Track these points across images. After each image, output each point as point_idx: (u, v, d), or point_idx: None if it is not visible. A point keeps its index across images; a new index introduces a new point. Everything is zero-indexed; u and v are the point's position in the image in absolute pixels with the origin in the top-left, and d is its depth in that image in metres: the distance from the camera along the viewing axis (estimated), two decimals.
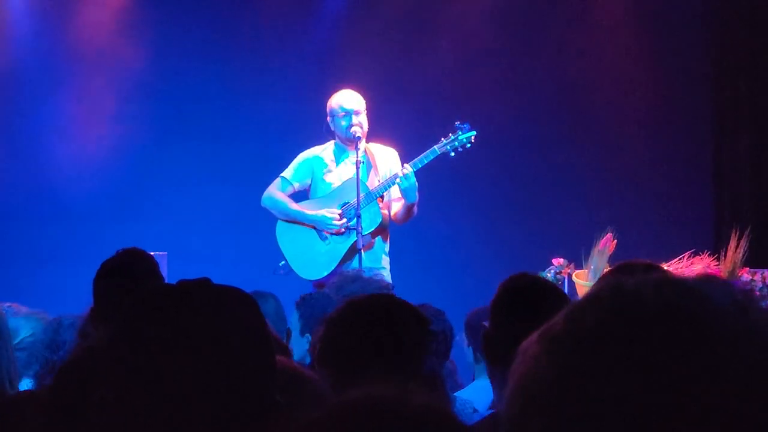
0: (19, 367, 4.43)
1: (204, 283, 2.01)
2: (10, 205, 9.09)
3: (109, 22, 9.28)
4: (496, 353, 2.89)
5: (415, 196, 7.21)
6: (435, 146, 7.31)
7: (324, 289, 5.75)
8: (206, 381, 1.88)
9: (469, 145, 7.36)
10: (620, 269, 2.60)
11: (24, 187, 9.13)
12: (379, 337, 2.77)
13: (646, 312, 1.08)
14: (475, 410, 4.26)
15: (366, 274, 5.52)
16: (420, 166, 7.23)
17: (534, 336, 1.14)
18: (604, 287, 1.13)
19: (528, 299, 2.92)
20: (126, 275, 3.41)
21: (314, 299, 5.00)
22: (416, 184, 7.18)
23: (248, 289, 5.66)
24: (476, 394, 4.58)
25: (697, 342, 1.06)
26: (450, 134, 7.36)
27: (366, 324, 2.79)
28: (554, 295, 2.97)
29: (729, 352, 1.06)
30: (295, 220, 7.42)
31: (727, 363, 1.05)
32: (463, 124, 7.38)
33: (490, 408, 3.71)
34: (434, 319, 4.68)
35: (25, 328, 4.83)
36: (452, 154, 7.34)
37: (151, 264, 3.48)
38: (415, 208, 7.31)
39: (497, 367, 2.89)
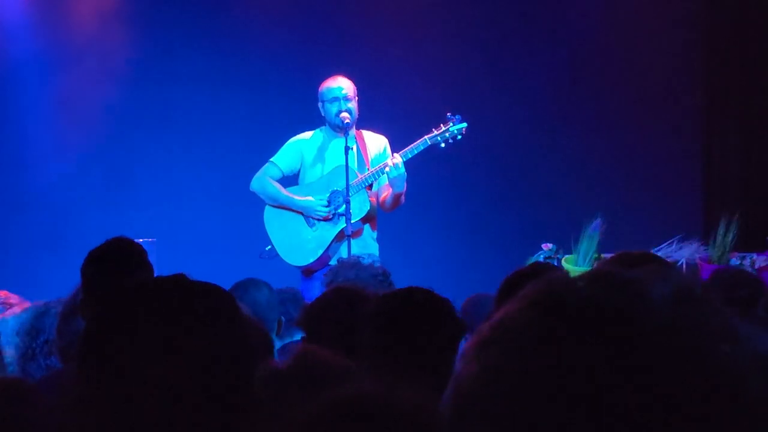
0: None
1: (178, 280, 1.98)
2: None
3: (98, 8, 9.24)
4: None
5: (403, 186, 7.21)
6: (426, 137, 7.30)
7: (322, 275, 5.74)
8: (181, 380, 1.86)
9: (459, 137, 7.35)
10: (618, 260, 2.58)
11: (11, 176, 9.10)
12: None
13: (570, 311, 1.05)
14: None
15: (364, 261, 5.49)
16: (410, 156, 7.22)
17: (471, 339, 1.12)
18: (534, 287, 1.11)
19: None
20: (114, 262, 3.39)
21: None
22: (405, 174, 7.17)
23: (238, 276, 5.67)
24: None
25: (622, 340, 1.03)
26: (441, 125, 7.35)
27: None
28: None
29: (656, 347, 1.03)
30: (283, 205, 7.41)
31: (653, 359, 1.02)
32: (454, 116, 7.37)
33: None
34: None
35: (11, 323, 4.81)
36: (442, 145, 7.33)
37: (139, 251, 3.46)
38: (403, 198, 7.30)
39: None
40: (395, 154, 7.22)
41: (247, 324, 2.00)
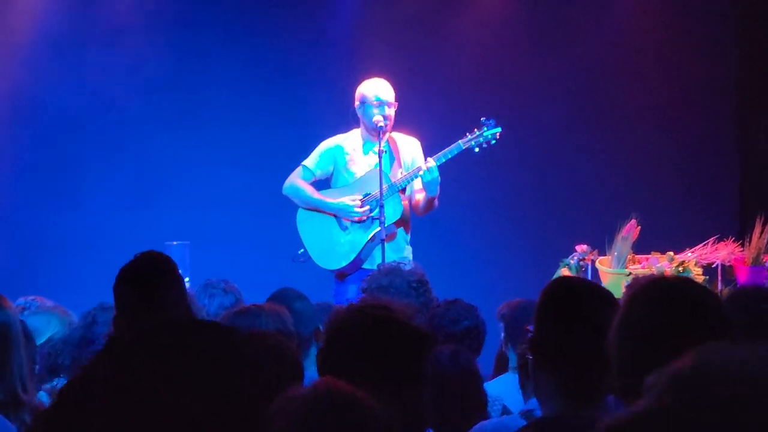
0: (52, 365, 4.46)
1: (184, 324, 2.00)
2: (32, 195, 9.11)
3: (128, 9, 9.27)
4: (542, 359, 2.88)
5: (437, 190, 7.19)
6: (460, 141, 7.28)
7: (355, 279, 5.73)
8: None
9: (494, 142, 7.33)
10: (655, 287, 2.51)
11: (45, 178, 9.15)
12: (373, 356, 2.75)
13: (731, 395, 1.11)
14: (505, 409, 4.24)
15: (404, 267, 5.47)
16: (444, 160, 7.20)
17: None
18: (688, 363, 1.17)
19: (575, 305, 2.89)
20: (144, 281, 3.41)
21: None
22: (439, 178, 7.15)
23: (270, 279, 5.69)
24: (505, 389, 4.56)
25: None
26: (475, 130, 7.34)
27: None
28: (601, 299, 2.94)
29: None
30: (316, 208, 7.40)
31: None
32: (488, 120, 7.35)
33: (523, 410, 3.68)
34: (466, 314, 4.67)
35: (49, 326, 4.84)
36: (476, 149, 7.32)
37: (169, 267, 3.48)
38: (436, 201, 7.29)
39: (543, 372, 2.88)
40: (429, 159, 7.20)
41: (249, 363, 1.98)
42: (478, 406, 4.05)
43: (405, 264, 5.68)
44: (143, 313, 3.38)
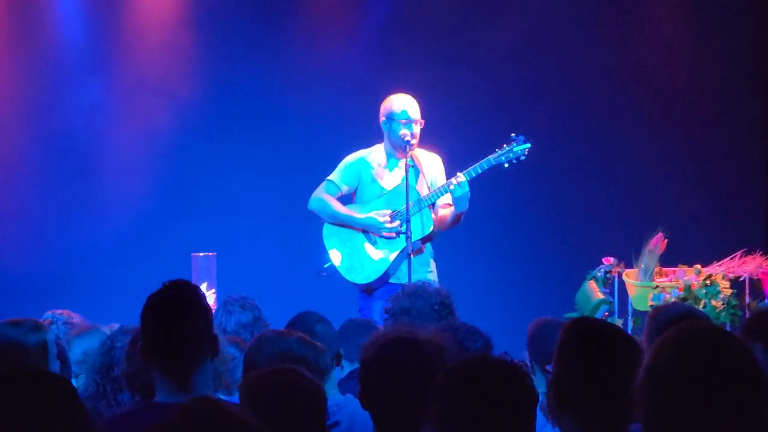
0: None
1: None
2: (59, 206, 9.15)
3: (159, 14, 9.30)
4: (565, 400, 2.87)
5: (466, 205, 7.17)
6: (490, 156, 7.27)
7: (382, 294, 5.71)
8: None
9: (523, 158, 7.32)
10: (680, 336, 2.48)
11: (72, 188, 9.18)
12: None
13: None
14: None
15: (429, 288, 5.45)
16: (474, 175, 7.18)
17: None
18: None
19: (596, 349, 2.88)
20: (171, 311, 3.43)
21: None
22: (469, 193, 7.14)
23: (295, 293, 5.71)
24: None
25: None
26: (505, 145, 7.32)
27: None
28: (624, 342, 2.94)
29: None
30: (343, 223, 7.38)
31: None
32: (518, 136, 7.34)
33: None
34: (469, 337, 4.64)
35: (79, 345, 4.85)
36: (506, 165, 7.31)
37: (197, 297, 3.49)
38: (462, 218, 7.27)
39: (566, 413, 2.87)
40: (459, 174, 7.18)
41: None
42: None
43: (430, 285, 5.65)
44: (169, 343, 3.41)
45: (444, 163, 7.44)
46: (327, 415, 4.12)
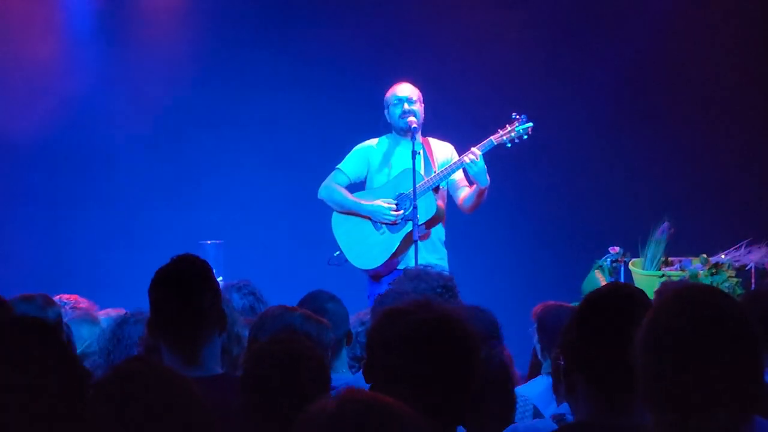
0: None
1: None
2: (69, 194, 9.17)
3: (165, 8, 9.32)
4: (580, 362, 2.85)
5: (487, 180, 7.18)
6: (492, 137, 7.30)
7: (390, 280, 5.72)
8: None
9: (525, 137, 7.35)
10: (676, 297, 2.50)
11: (80, 176, 9.20)
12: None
13: None
14: (537, 412, 4.23)
15: (431, 271, 5.46)
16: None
17: None
18: None
19: (623, 312, 2.87)
20: (179, 285, 3.45)
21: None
22: (485, 167, 7.16)
23: (305, 281, 5.70)
24: (537, 391, 4.56)
25: None
26: (507, 125, 7.35)
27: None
28: (647, 307, 2.94)
29: None
30: (350, 211, 7.43)
31: None
32: (520, 116, 7.37)
33: (555, 413, 3.69)
34: (475, 317, 4.66)
35: (88, 334, 4.89)
36: (508, 145, 7.33)
37: (205, 271, 3.51)
38: (486, 193, 7.28)
39: (578, 376, 2.85)
40: (473, 149, 7.21)
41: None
42: (508, 407, 4.05)
43: (433, 268, 5.66)
44: (177, 317, 3.42)
45: (456, 149, 7.47)
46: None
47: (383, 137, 7.53)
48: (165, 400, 2.26)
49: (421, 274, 5.31)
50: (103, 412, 2.24)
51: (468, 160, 7.16)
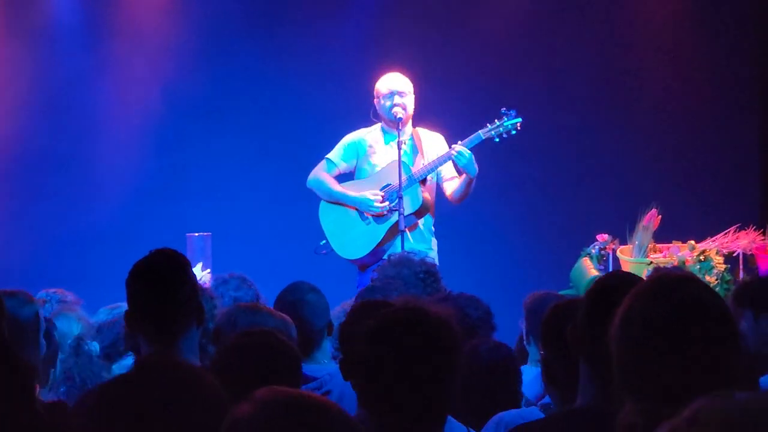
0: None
1: None
2: (54, 187, 9.15)
3: (150, 3, 9.31)
4: (581, 347, 2.83)
5: (475, 168, 7.19)
6: (480, 131, 7.30)
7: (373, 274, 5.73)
8: None
9: (514, 132, 7.35)
10: (651, 285, 2.49)
11: (66, 170, 9.18)
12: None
13: None
14: (527, 401, 4.23)
15: (414, 257, 5.45)
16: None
17: None
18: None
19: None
20: (156, 278, 3.46)
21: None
22: (473, 156, 7.16)
23: (292, 271, 5.67)
24: (524, 380, 4.55)
25: None
26: (495, 120, 7.35)
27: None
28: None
29: None
30: (338, 201, 7.43)
31: None
32: (509, 111, 7.37)
33: (543, 403, 3.69)
34: (471, 305, 4.66)
35: (68, 327, 4.88)
36: (497, 139, 7.34)
37: (182, 266, 3.51)
38: (474, 183, 7.28)
39: (584, 363, 2.84)
40: (459, 142, 7.22)
41: None
42: (514, 400, 4.05)
43: (415, 254, 5.67)
44: (154, 309, 3.43)
45: (447, 140, 7.47)
46: (319, 384, 4.16)
47: (373, 128, 7.53)
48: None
49: (404, 260, 5.32)
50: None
51: (455, 153, 7.17)
